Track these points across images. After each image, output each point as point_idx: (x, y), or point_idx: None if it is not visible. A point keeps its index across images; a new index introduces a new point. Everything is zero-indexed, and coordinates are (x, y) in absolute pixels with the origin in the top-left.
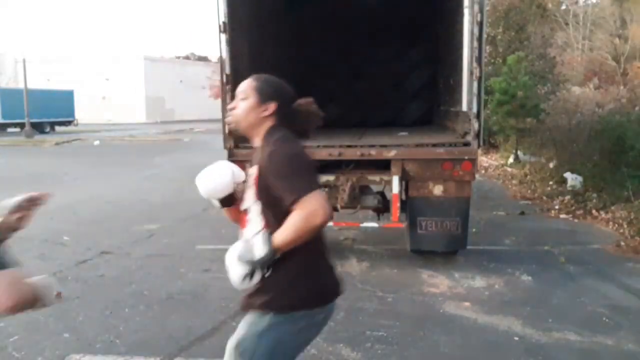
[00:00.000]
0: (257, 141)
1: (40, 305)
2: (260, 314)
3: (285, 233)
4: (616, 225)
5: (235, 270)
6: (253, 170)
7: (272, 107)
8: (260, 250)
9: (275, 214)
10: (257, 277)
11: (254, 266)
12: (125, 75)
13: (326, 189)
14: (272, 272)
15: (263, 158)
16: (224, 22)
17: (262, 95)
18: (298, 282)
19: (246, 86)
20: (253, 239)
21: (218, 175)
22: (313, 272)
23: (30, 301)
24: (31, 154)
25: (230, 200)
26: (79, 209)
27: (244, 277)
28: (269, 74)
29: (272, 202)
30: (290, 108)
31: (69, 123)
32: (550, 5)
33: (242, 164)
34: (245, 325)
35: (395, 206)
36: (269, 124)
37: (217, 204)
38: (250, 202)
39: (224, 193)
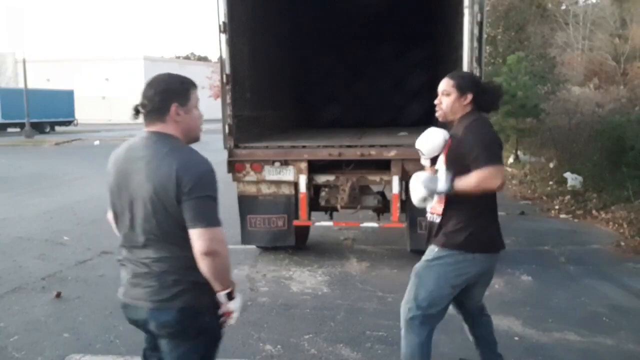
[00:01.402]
0: (454, 121)
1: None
2: (432, 247)
3: (466, 182)
4: (616, 225)
5: (417, 192)
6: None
7: (469, 97)
8: (442, 184)
9: (458, 174)
10: (430, 203)
11: (432, 193)
12: (125, 75)
13: (326, 189)
14: (446, 218)
15: (460, 132)
16: (224, 22)
17: (460, 89)
18: (462, 230)
19: (446, 84)
20: (439, 174)
21: (435, 138)
22: (477, 226)
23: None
24: (31, 154)
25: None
26: (79, 209)
27: (423, 199)
28: (268, 74)
29: (459, 167)
30: (482, 93)
31: (68, 123)
32: (550, 5)
33: (242, 164)
34: (423, 256)
35: (395, 206)
36: (467, 109)
37: (428, 163)
38: (440, 165)
39: (438, 152)
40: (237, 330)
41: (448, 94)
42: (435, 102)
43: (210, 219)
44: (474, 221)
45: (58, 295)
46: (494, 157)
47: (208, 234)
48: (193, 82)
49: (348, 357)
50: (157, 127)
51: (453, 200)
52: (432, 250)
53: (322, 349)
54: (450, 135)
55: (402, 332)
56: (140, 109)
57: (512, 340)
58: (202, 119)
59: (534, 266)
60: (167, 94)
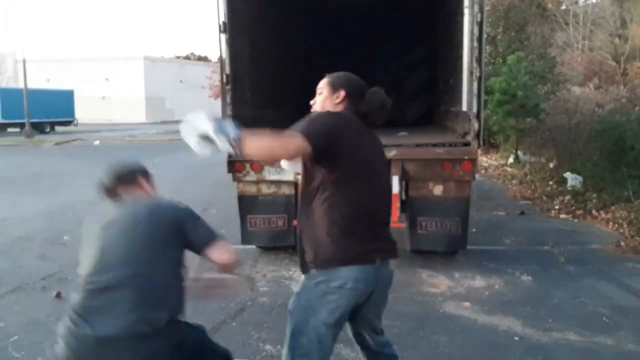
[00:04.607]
0: None
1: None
2: (308, 273)
3: (256, 139)
4: (616, 225)
5: (199, 126)
6: None
7: (342, 93)
8: (231, 132)
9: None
10: (209, 150)
11: (218, 140)
12: (125, 75)
13: None
14: (314, 232)
15: None
16: (224, 22)
17: (333, 86)
18: (333, 243)
19: (321, 82)
20: (227, 122)
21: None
22: (348, 237)
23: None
24: (31, 154)
25: None
26: (79, 209)
27: (201, 139)
28: (268, 74)
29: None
30: (358, 95)
31: (69, 123)
32: (550, 5)
33: (242, 164)
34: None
35: (395, 206)
36: (339, 108)
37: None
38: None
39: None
40: (237, 330)
41: (321, 93)
42: (311, 102)
43: None
44: (347, 231)
45: (58, 295)
46: (305, 127)
47: None
48: None
49: (348, 357)
50: None
51: (309, 210)
52: (307, 275)
53: None
54: None
55: None
56: None
57: (512, 340)
58: None
59: (534, 266)
60: None
